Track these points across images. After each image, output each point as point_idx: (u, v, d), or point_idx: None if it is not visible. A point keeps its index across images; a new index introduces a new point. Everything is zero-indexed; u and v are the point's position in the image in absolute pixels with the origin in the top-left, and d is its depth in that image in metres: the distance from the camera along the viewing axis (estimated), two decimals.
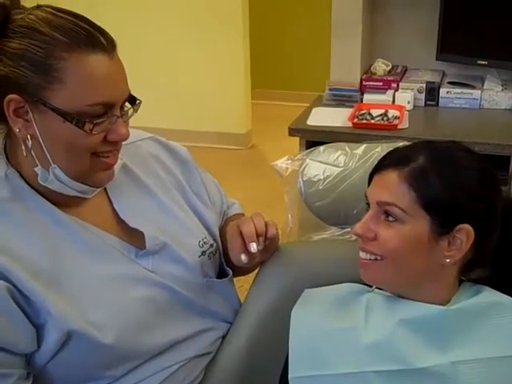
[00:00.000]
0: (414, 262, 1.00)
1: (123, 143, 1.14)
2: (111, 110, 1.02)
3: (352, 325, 1.02)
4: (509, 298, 1.04)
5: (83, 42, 0.98)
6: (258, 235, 1.18)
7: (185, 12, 4.33)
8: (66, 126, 0.99)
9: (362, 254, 1.03)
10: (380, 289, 1.08)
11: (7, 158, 1.09)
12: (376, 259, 1.01)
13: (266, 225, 1.20)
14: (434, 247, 0.99)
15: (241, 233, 1.18)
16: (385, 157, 1.06)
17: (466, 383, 0.96)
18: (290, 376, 1.01)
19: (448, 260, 1.00)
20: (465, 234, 0.99)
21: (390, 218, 0.99)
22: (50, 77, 0.98)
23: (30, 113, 1.00)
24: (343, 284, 1.11)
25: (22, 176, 1.07)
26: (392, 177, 1.00)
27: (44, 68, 0.97)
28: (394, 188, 0.99)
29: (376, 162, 1.24)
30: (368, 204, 1.04)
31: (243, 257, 1.17)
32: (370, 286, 1.09)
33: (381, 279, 1.04)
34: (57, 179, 1.05)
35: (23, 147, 1.03)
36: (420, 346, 0.98)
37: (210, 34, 4.33)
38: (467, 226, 0.99)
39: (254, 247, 1.15)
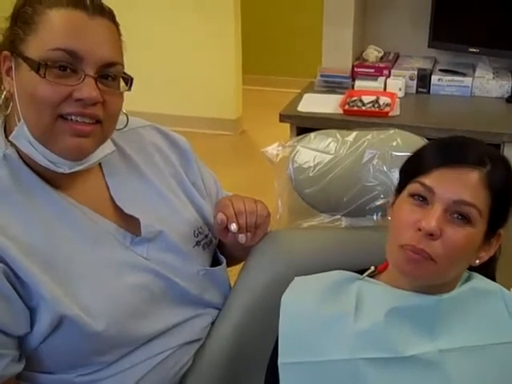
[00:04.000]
0: (461, 265, 1.00)
1: (124, 129, 1.15)
2: (79, 63, 1.02)
3: (342, 312, 1.01)
4: (499, 285, 1.05)
5: (66, 0, 1.03)
6: (247, 213, 1.21)
7: None
8: (30, 74, 1.01)
9: (415, 249, 0.96)
10: (371, 277, 1.07)
11: (7, 137, 1.08)
12: (431, 259, 0.96)
13: (257, 205, 1.24)
14: (476, 250, 1.00)
15: (233, 205, 1.21)
16: (453, 150, 1.00)
17: (454, 371, 0.96)
18: (279, 361, 1.01)
19: (478, 261, 1.02)
20: (497, 238, 1.01)
21: (462, 219, 0.95)
22: (28, 29, 1.02)
23: (13, 68, 1.04)
24: (333, 271, 1.11)
25: (20, 155, 1.07)
26: (473, 177, 0.96)
27: (27, 23, 1.02)
28: (475, 189, 0.96)
29: (367, 148, 1.25)
30: (421, 196, 0.98)
31: (234, 226, 1.20)
32: (361, 274, 1.08)
33: (429, 279, 0.99)
34: (23, 137, 1.04)
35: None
36: (410, 334, 0.98)
37: (201, 19, 4.30)
38: (501, 230, 1.01)
39: (233, 227, 1.20)
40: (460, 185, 0.96)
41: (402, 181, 1.05)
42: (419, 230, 0.95)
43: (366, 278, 1.07)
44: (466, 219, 0.96)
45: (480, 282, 1.05)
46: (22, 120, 1.03)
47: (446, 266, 0.96)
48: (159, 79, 4.42)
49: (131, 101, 1.19)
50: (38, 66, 1.00)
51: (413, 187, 1.00)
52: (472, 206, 0.95)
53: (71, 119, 1.03)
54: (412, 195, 1.00)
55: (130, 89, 1.10)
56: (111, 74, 1.06)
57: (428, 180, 0.98)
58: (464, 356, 0.97)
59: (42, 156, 1.05)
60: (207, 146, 3.80)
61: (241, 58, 4.50)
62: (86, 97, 1.02)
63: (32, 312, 1.02)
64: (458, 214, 0.96)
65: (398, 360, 0.96)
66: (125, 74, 1.09)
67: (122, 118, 1.14)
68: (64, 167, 1.06)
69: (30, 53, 1.02)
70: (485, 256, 1.02)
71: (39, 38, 1.02)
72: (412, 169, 1.03)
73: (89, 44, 1.02)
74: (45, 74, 1.00)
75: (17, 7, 1.06)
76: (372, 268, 1.09)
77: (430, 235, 0.94)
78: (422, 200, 0.98)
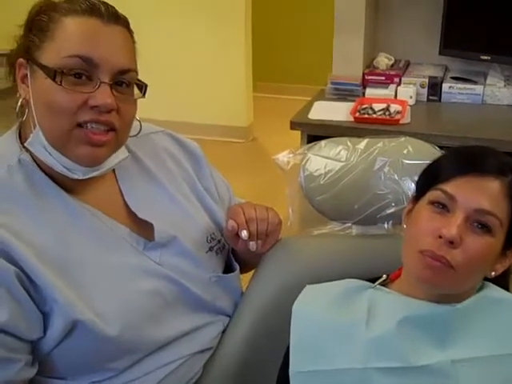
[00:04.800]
0: (478, 275, 1.00)
1: (138, 136, 1.16)
2: (94, 70, 1.02)
3: (354, 321, 1.01)
4: (511, 294, 1.05)
5: (81, 8, 1.04)
6: (258, 220, 1.21)
7: (186, 4, 4.31)
8: (46, 82, 1.02)
9: (435, 256, 0.95)
10: (383, 285, 1.07)
11: (21, 143, 1.09)
12: (450, 266, 0.95)
13: (268, 212, 1.24)
14: (493, 262, 0.99)
15: (244, 212, 1.21)
16: (473, 159, 0.99)
17: (467, 381, 0.95)
18: (290, 370, 1.00)
19: (493, 273, 1.01)
20: None
21: (482, 228, 0.95)
22: (43, 37, 1.03)
23: (29, 75, 1.05)
24: (345, 280, 1.10)
25: (34, 160, 1.08)
26: (495, 186, 0.96)
27: (43, 30, 1.04)
28: (496, 198, 0.95)
29: (378, 156, 1.24)
30: (441, 203, 0.98)
31: (244, 233, 1.20)
32: (373, 282, 1.08)
33: (446, 287, 0.98)
34: (38, 143, 1.05)
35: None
36: (422, 343, 0.97)
37: (212, 27, 4.32)
38: None
39: (244, 234, 1.20)
40: (481, 193, 0.96)
41: (419, 189, 1.05)
42: (439, 237, 0.95)
43: (378, 286, 1.07)
44: (486, 228, 0.95)
45: (493, 291, 1.04)
46: (38, 127, 1.04)
47: (464, 275, 0.96)
48: (171, 87, 4.44)
49: (144, 108, 1.19)
50: (54, 74, 1.01)
51: (433, 194, 1.00)
52: (493, 215, 0.95)
53: (87, 127, 1.04)
54: (432, 202, 0.99)
55: (144, 95, 1.11)
56: (125, 81, 1.07)
57: (449, 188, 0.97)
58: (477, 366, 0.96)
59: (56, 162, 1.05)
60: (218, 153, 3.80)
61: (251, 65, 4.51)
62: (102, 104, 1.02)
63: (45, 316, 1.03)
64: (479, 222, 0.95)
65: (410, 370, 0.95)
66: (139, 80, 1.10)
67: (135, 125, 1.15)
68: (78, 173, 1.07)
69: (46, 60, 1.03)
70: (500, 268, 1.01)
71: (55, 45, 1.03)
72: (431, 177, 1.03)
73: (104, 51, 1.03)
74: (61, 82, 1.01)
75: (31, 15, 1.08)
76: (384, 276, 1.08)
77: (451, 243, 0.94)
78: (443, 207, 0.98)
